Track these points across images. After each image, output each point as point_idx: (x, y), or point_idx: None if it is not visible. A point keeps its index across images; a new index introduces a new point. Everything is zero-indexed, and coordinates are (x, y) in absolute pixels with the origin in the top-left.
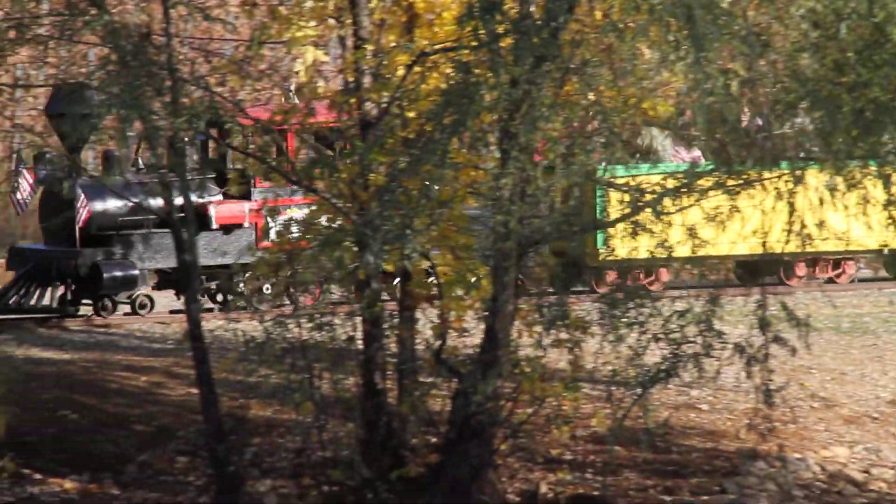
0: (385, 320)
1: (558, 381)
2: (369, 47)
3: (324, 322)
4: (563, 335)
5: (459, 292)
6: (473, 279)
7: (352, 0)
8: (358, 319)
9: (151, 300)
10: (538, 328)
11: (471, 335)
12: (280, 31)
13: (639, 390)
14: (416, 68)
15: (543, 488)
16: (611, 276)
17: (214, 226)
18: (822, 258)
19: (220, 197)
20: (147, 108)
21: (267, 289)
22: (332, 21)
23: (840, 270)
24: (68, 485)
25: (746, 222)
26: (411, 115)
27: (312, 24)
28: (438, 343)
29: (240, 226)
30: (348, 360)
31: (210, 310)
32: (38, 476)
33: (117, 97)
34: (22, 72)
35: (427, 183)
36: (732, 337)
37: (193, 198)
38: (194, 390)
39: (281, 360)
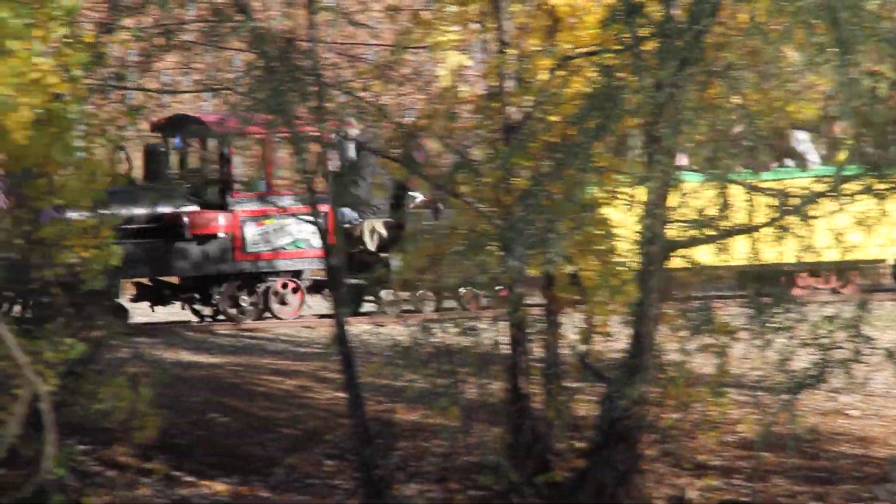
0: (530, 325)
1: (705, 386)
2: (512, 51)
3: (469, 327)
4: (709, 340)
5: (604, 296)
6: (618, 283)
7: (495, 4)
8: (503, 324)
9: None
10: (683, 333)
11: (616, 339)
12: (423, 35)
13: (787, 396)
14: (559, 72)
15: (691, 494)
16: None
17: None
18: None
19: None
20: (292, 114)
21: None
22: (474, 25)
23: None
24: (218, 487)
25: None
26: (554, 119)
27: (455, 28)
28: (584, 347)
29: (215, 235)
30: (494, 364)
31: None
32: (188, 479)
33: (262, 102)
34: (168, 78)
35: (570, 187)
36: (882, 342)
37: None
38: (341, 394)
39: (427, 365)
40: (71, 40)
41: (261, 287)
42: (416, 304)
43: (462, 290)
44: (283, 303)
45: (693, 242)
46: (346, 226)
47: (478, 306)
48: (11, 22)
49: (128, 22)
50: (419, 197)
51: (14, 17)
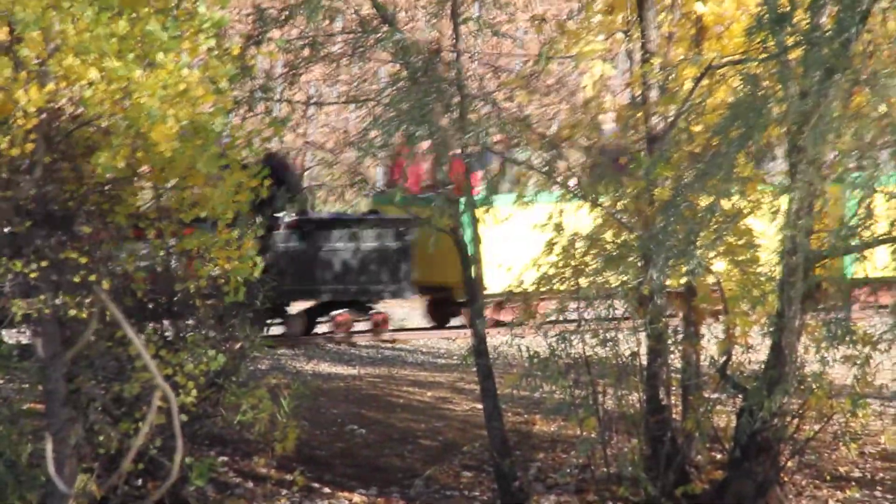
0: (669, 336)
1: (846, 398)
2: (657, 61)
3: (607, 338)
4: (851, 351)
5: (745, 307)
6: (759, 294)
7: (640, 14)
8: (642, 335)
9: None
10: (825, 344)
11: (756, 351)
12: (568, 45)
13: None
14: (704, 81)
15: None
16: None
17: None
18: None
19: None
20: (435, 125)
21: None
22: (620, 35)
23: None
24: (357, 499)
25: None
26: (698, 128)
27: (601, 38)
28: (723, 359)
29: None
30: (632, 375)
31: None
32: (327, 490)
33: (406, 114)
34: (315, 89)
35: (713, 197)
36: None
37: None
38: (479, 405)
39: (565, 376)
40: (218, 52)
41: None
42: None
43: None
44: None
45: (835, 252)
46: None
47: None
48: (159, 34)
49: (274, 34)
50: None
51: (162, 30)
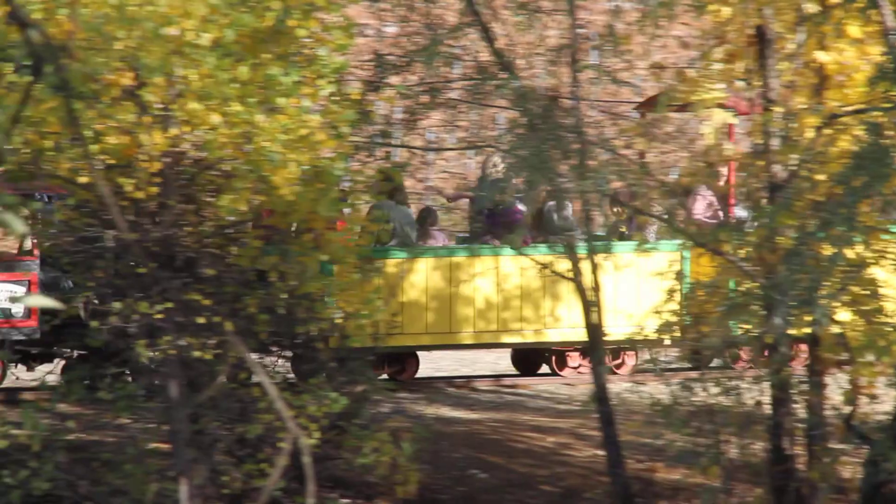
0: (793, 385)
1: None
2: (778, 109)
3: (731, 386)
4: None
5: (870, 358)
6: (885, 344)
7: (761, 63)
8: (765, 384)
9: None
10: None
11: (882, 402)
12: (687, 93)
13: None
14: (826, 130)
15: None
16: None
17: None
18: None
19: None
20: (554, 171)
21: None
22: (740, 83)
23: None
24: None
25: None
26: (820, 177)
27: (720, 86)
28: (849, 409)
29: None
30: (756, 424)
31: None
32: None
33: (525, 160)
34: (433, 135)
35: (836, 246)
36: None
37: None
38: (601, 452)
39: (687, 424)
40: (338, 98)
41: None
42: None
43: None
44: None
45: None
46: None
47: (742, 366)
48: (282, 79)
49: (394, 80)
50: None
51: (283, 75)
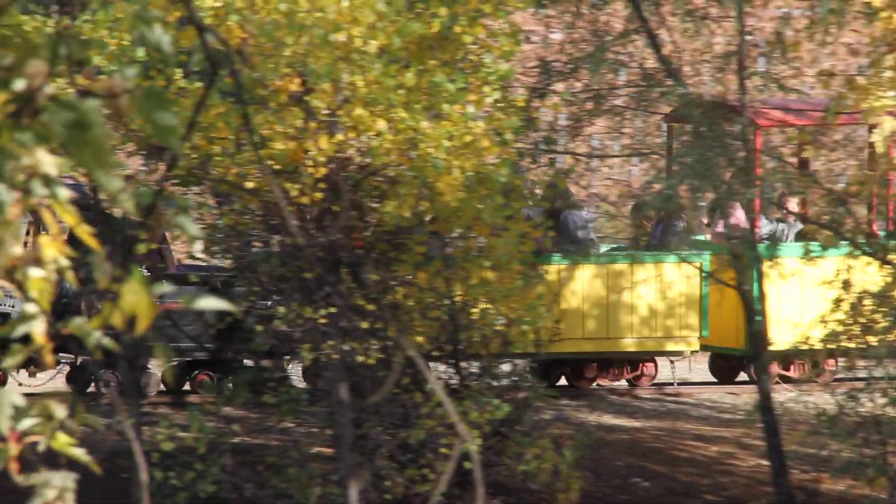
0: None
1: None
2: None
3: None
4: None
5: None
6: None
7: None
8: None
9: None
10: None
11: None
12: (857, 101)
13: None
14: None
15: None
16: None
17: None
18: None
19: None
20: (720, 179)
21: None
22: None
23: None
24: None
25: None
26: None
27: (891, 94)
28: None
29: None
30: None
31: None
32: None
33: (690, 167)
34: (598, 142)
35: None
36: None
37: None
38: (765, 462)
39: (853, 435)
40: (503, 104)
41: None
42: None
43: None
44: None
45: None
46: None
47: None
48: (446, 86)
49: (559, 86)
50: None
51: (448, 82)
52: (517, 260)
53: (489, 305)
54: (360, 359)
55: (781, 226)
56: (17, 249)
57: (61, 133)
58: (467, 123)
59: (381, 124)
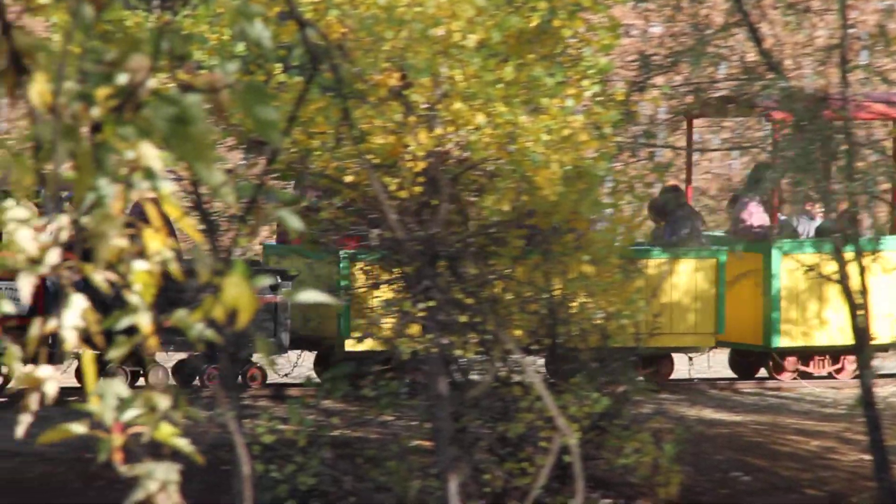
0: None
1: None
2: None
3: None
4: None
5: None
6: None
7: None
8: None
9: None
10: None
11: None
12: None
13: None
14: None
15: None
16: None
17: None
18: None
19: None
20: (821, 173)
21: None
22: None
23: None
24: None
25: None
26: None
27: None
28: None
29: None
30: None
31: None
32: None
33: (791, 161)
34: (698, 136)
35: None
36: None
37: None
38: (867, 456)
39: None
40: (602, 98)
41: None
42: None
43: None
44: None
45: None
46: None
47: None
48: (545, 80)
49: (659, 80)
50: None
51: (547, 76)
52: (616, 254)
53: (588, 299)
54: (459, 352)
55: (801, 222)
56: (121, 242)
57: (163, 127)
58: (566, 117)
59: (480, 118)
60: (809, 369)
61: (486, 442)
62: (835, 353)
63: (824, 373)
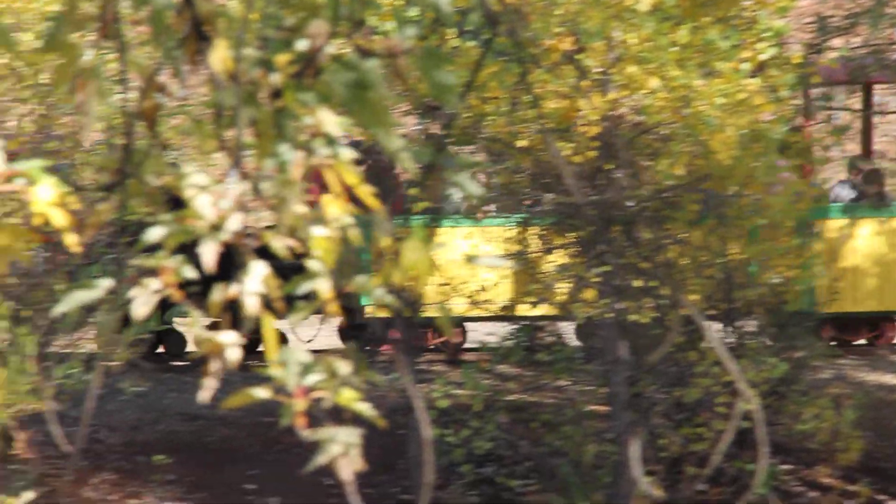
0: None
1: None
2: None
3: None
4: None
5: None
6: None
7: None
8: None
9: None
10: None
11: None
12: None
13: None
14: None
15: None
16: None
17: None
18: None
19: None
20: None
21: None
22: None
23: None
24: None
25: None
26: None
27: None
28: None
29: None
30: None
31: None
32: (891, 503)
33: None
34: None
35: None
36: None
37: None
38: None
39: None
40: (778, 61)
41: None
42: None
43: None
44: None
45: None
46: None
47: None
48: (719, 43)
49: (836, 42)
50: None
51: (722, 39)
52: (792, 217)
53: (765, 264)
54: (634, 318)
55: (846, 190)
56: (301, 208)
57: (342, 93)
58: (741, 81)
59: (654, 82)
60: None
61: (662, 407)
62: None
63: None
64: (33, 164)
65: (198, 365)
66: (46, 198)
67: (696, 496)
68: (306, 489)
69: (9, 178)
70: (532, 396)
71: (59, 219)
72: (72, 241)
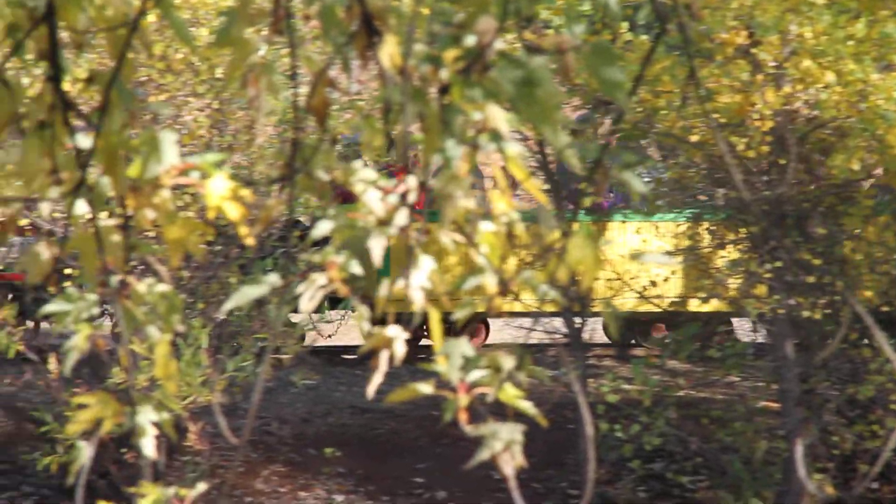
0: None
1: None
2: None
3: None
4: None
5: None
6: None
7: None
8: None
9: None
10: None
11: None
12: None
13: None
14: None
15: None
16: None
17: None
18: None
19: None
20: None
21: None
22: None
23: None
24: None
25: None
26: None
27: None
28: None
29: None
30: None
31: None
32: None
33: None
34: None
35: None
36: None
37: None
38: None
39: None
40: None
41: None
42: None
43: None
44: None
45: None
46: None
47: None
48: None
49: None
50: None
51: None
52: None
53: None
54: (806, 314)
55: None
56: (468, 203)
57: (510, 89)
58: None
59: (830, 76)
60: None
61: (835, 404)
62: None
63: None
64: (207, 158)
65: (367, 359)
66: (220, 191)
67: (868, 494)
68: (474, 483)
69: (183, 172)
70: (702, 392)
71: (233, 212)
72: (245, 234)
